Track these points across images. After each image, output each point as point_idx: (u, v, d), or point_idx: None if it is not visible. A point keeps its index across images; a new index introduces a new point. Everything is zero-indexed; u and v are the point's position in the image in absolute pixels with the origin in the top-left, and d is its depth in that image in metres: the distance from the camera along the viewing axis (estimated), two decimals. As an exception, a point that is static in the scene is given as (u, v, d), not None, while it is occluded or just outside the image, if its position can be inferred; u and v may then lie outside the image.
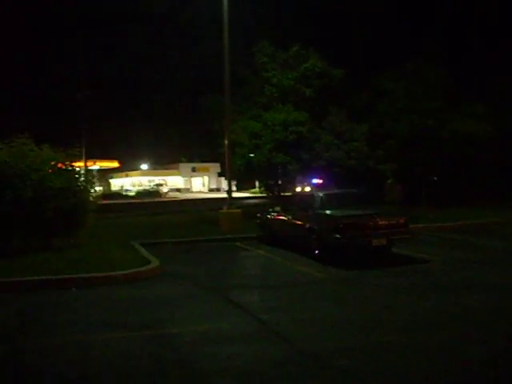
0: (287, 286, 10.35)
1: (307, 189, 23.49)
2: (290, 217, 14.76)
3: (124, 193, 72.20)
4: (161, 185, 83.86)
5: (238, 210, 19.62)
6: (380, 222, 12.41)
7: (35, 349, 6.65)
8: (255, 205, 31.33)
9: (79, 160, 15.57)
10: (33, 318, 8.24)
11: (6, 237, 13.29)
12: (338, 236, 11.91)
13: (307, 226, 13.26)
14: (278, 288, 10.18)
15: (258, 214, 17.52)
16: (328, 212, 13.02)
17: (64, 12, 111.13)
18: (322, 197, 13.88)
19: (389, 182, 27.40)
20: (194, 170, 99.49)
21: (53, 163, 14.36)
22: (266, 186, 26.83)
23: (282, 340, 6.80)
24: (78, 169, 15.52)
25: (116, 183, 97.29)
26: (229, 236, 17.41)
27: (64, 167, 14.62)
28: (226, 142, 19.69)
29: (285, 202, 16.85)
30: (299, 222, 13.90)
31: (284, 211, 15.47)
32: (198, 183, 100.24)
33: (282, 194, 25.29)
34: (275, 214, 15.98)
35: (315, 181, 23.17)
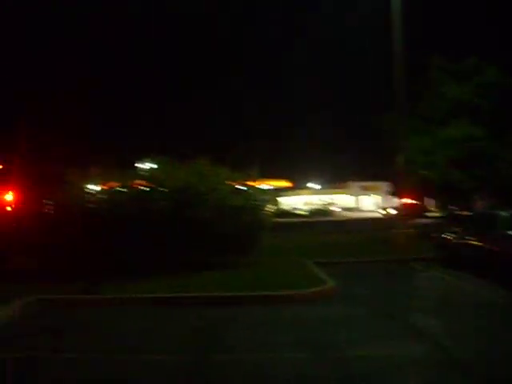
0: (467, 310, 9.71)
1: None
2: (469, 237, 13.92)
3: (294, 211, 73.14)
4: (330, 204, 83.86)
5: (413, 230, 18.96)
6: None
7: (211, 364, 6.82)
8: (428, 224, 30.08)
9: (254, 179, 16.00)
10: (209, 333, 8.49)
11: (185, 254, 13.96)
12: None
13: (491, 247, 12.37)
14: (458, 313, 9.57)
15: (433, 235, 16.79)
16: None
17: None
18: (508, 217, 12.88)
19: None
20: (363, 188, 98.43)
21: (230, 183, 14.92)
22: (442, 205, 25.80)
23: (472, 372, 6.27)
24: (252, 188, 15.96)
25: (286, 202, 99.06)
26: (403, 257, 16.84)
27: (240, 187, 15.13)
28: (400, 159, 19.14)
29: (462, 222, 15.93)
30: (481, 244, 13.03)
31: (462, 231, 14.65)
32: (368, 202, 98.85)
33: (459, 213, 24.09)
34: (452, 234, 15.19)
35: (404, 200, 20.99)
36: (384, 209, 55.29)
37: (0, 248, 14.85)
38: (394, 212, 51.21)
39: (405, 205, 19.79)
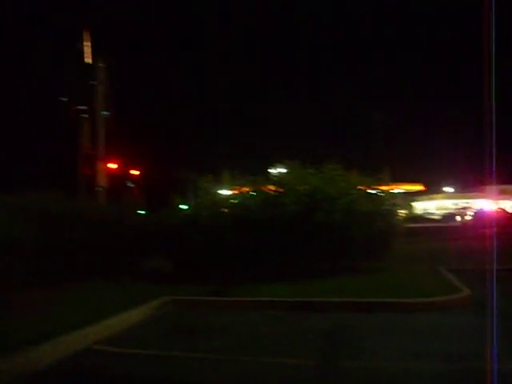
0: None
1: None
2: None
3: (426, 216, 70.89)
4: (465, 208, 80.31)
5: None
6: None
7: (339, 370, 6.77)
8: None
9: (385, 184, 15.74)
10: (338, 339, 8.42)
11: (316, 258, 13.99)
12: None
13: None
14: None
15: None
16: None
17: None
18: None
19: None
20: (502, 192, 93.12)
21: (360, 187, 14.78)
22: None
23: None
24: (384, 192, 15.71)
25: (419, 206, 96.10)
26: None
27: (371, 191, 14.95)
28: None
29: None
30: None
31: None
32: (507, 206, 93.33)
33: None
34: None
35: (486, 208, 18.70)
36: (461, 216, 52.45)
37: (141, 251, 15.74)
38: (469, 219, 48.57)
39: (484, 213, 18.52)
